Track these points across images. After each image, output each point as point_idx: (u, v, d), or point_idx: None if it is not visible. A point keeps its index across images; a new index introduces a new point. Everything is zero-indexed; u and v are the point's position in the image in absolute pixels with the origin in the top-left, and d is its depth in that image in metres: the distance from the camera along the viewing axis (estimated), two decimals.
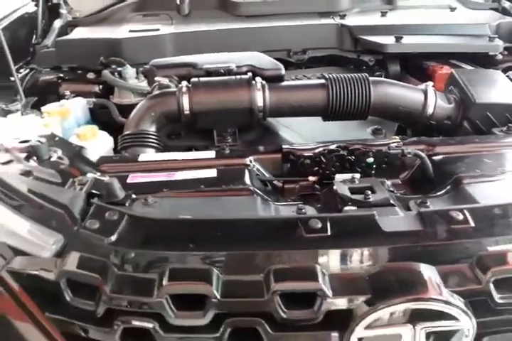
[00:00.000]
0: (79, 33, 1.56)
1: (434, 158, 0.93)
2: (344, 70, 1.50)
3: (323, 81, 1.11)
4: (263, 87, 1.08)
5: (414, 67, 1.50)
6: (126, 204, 0.77)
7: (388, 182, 0.92)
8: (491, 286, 0.63)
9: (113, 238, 0.67)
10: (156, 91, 1.11)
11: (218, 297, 0.61)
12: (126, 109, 1.29)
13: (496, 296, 0.63)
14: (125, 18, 1.65)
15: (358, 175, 0.87)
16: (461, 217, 0.68)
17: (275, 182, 0.94)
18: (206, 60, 1.18)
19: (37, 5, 1.64)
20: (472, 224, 0.67)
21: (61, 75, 1.40)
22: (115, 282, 0.63)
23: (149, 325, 0.62)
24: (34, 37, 1.58)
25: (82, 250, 0.66)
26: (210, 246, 0.67)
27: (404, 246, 0.65)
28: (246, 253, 0.65)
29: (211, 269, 0.63)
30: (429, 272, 0.62)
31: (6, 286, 0.69)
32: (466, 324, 0.61)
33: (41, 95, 1.32)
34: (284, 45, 1.52)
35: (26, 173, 0.83)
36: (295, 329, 0.62)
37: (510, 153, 0.94)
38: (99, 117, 1.29)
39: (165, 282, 0.61)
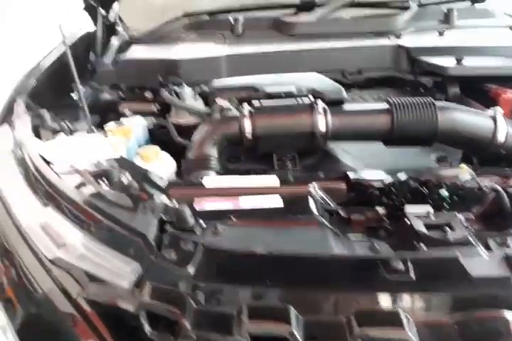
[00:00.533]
0: (136, 52, 1.60)
1: (510, 190, 0.89)
2: (401, 92, 1.47)
3: (387, 105, 1.08)
4: (325, 111, 1.07)
5: (475, 89, 1.45)
6: (197, 232, 0.77)
7: (461, 217, 0.88)
8: None
9: (190, 270, 0.66)
10: (218, 115, 1.11)
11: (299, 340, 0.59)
12: (183, 129, 1.31)
13: None
14: (180, 37, 1.67)
15: (430, 209, 0.85)
16: None
17: (340, 212, 0.92)
18: (266, 81, 1.18)
19: (95, 22, 1.70)
20: None
21: (121, 94, 1.43)
22: (193, 317, 0.63)
23: None
24: (93, 55, 1.63)
25: (160, 281, 0.67)
26: (286, 283, 0.66)
27: (494, 293, 0.62)
28: (326, 293, 0.64)
29: (290, 308, 0.61)
30: None
31: (82, 313, 0.70)
32: None
33: (102, 114, 1.36)
34: (339, 65, 1.50)
35: (99, 197, 0.85)
36: None
37: None
38: (157, 137, 1.31)
39: (245, 320, 0.61)
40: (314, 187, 0.91)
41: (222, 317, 0.62)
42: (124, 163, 0.95)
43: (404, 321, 0.59)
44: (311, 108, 1.07)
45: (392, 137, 1.08)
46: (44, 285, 0.76)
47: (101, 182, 0.89)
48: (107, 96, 1.42)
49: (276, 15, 1.74)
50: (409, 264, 0.65)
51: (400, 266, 0.65)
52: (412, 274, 0.64)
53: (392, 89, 1.49)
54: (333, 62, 1.51)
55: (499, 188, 0.87)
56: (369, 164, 1.15)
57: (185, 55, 1.50)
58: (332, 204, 0.92)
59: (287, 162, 1.10)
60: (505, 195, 0.86)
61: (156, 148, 1.11)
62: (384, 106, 1.09)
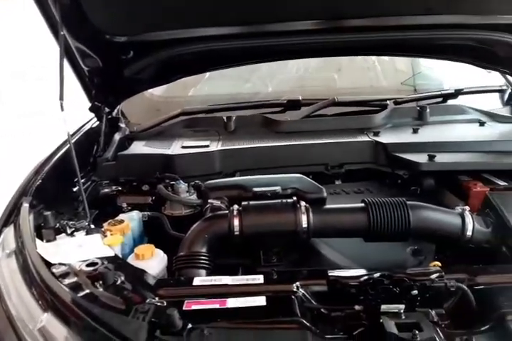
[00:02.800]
0: (136, 147, 1.75)
1: (476, 287, 0.96)
2: (379, 184, 1.59)
3: (363, 205, 1.19)
4: (307, 210, 1.17)
5: (449, 181, 1.57)
6: (184, 335, 0.82)
7: (433, 313, 0.94)
8: None
9: None
10: (209, 214, 1.21)
11: None
12: (176, 220, 1.40)
13: None
14: (178, 133, 1.84)
15: (402, 307, 0.91)
16: None
17: (322, 310, 0.97)
18: (254, 182, 1.30)
19: (100, 120, 1.86)
20: None
21: (119, 188, 1.54)
22: None
23: None
24: (95, 149, 1.76)
25: None
26: None
27: None
28: None
29: None
30: None
31: None
32: None
33: (101, 206, 1.45)
34: (322, 159, 1.64)
35: (94, 299, 0.91)
36: None
37: None
38: (152, 228, 1.39)
39: None
40: (297, 286, 0.98)
41: None
42: (119, 264, 1.02)
43: None
44: (294, 207, 1.17)
45: (369, 234, 1.17)
46: None
47: (97, 284, 0.96)
48: (106, 190, 1.53)
49: (266, 112, 1.94)
50: None
51: None
52: None
53: (371, 182, 1.62)
54: (317, 156, 1.65)
55: (465, 288, 0.94)
56: (350, 256, 1.22)
57: (181, 151, 1.65)
58: (313, 302, 0.98)
59: (273, 257, 1.17)
60: (470, 294, 0.93)
61: (152, 246, 1.18)
62: (360, 205, 1.20)
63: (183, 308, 0.91)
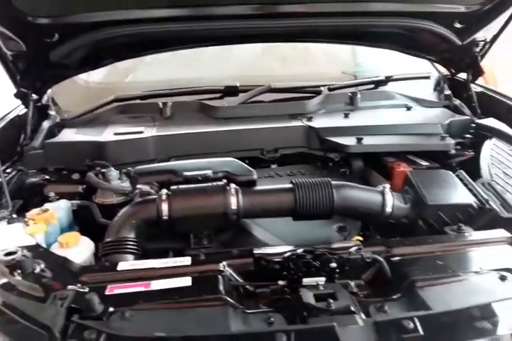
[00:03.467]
0: (66, 135, 1.69)
1: (392, 259, 1.02)
2: (313, 167, 1.64)
3: (290, 186, 1.22)
4: (237, 192, 1.19)
5: (376, 162, 1.64)
6: (104, 319, 0.82)
7: (352, 284, 0.99)
8: None
9: None
10: (137, 199, 1.20)
11: None
12: (107, 209, 1.37)
13: None
14: (111, 119, 1.79)
15: (323, 280, 0.96)
16: (411, 325, 0.76)
17: (248, 287, 1.00)
18: (185, 166, 1.30)
19: (27, 107, 1.77)
20: (421, 332, 0.74)
21: (47, 177, 1.48)
22: None
23: None
24: (22, 137, 1.68)
25: None
26: None
27: None
28: None
29: None
30: None
31: None
32: None
33: (27, 197, 1.39)
34: (258, 144, 1.66)
35: (10, 288, 0.88)
36: None
37: (460, 254, 1.04)
38: (82, 218, 1.36)
39: None
40: (224, 266, 1.00)
41: None
42: (40, 252, 0.99)
43: None
44: (223, 189, 1.19)
45: (296, 213, 1.20)
46: None
47: (15, 273, 0.92)
48: (32, 180, 1.47)
49: (203, 99, 1.93)
50: (293, 336, 0.73)
51: (283, 339, 0.73)
52: None
53: (304, 165, 1.66)
54: (252, 142, 1.68)
55: (380, 259, 1.00)
56: (280, 235, 1.26)
57: (114, 138, 1.61)
58: (240, 280, 1.00)
59: (203, 239, 1.18)
60: (385, 264, 0.99)
61: (77, 234, 1.16)
62: (288, 186, 1.23)
63: (106, 293, 0.90)
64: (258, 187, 1.25)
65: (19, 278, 0.91)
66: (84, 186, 1.47)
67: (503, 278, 0.93)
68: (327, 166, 1.65)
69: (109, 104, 1.86)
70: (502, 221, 1.18)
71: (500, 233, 1.10)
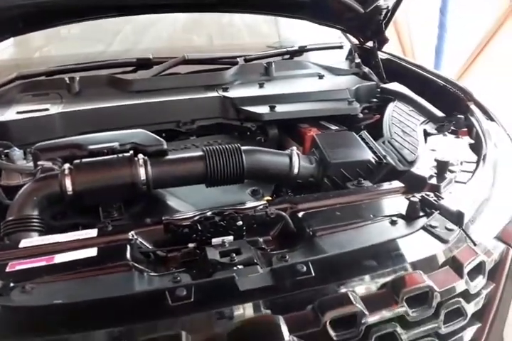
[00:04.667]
0: None
1: (296, 214, 1.08)
2: (230, 137, 1.67)
3: (201, 153, 1.24)
4: (145, 162, 1.18)
5: (291, 129, 1.70)
6: (4, 295, 0.80)
7: (261, 240, 1.04)
8: (329, 327, 0.75)
9: None
10: (39, 175, 1.16)
11: None
12: (13, 190, 1.31)
13: (333, 335, 0.75)
14: (14, 98, 1.69)
15: (230, 238, 0.99)
16: (304, 269, 0.82)
17: (159, 252, 1.02)
18: (90, 140, 1.26)
19: None
20: (313, 274, 0.80)
21: None
22: None
23: None
24: None
25: None
26: (84, 327, 0.72)
27: (256, 302, 0.76)
28: (114, 329, 0.71)
29: None
30: (273, 321, 0.73)
31: None
32: None
33: None
34: (174, 117, 1.65)
35: None
36: None
37: (357, 205, 1.12)
38: None
39: None
40: (132, 234, 1.00)
41: None
42: None
43: (184, 339, 0.70)
44: (130, 160, 1.17)
45: (208, 179, 1.22)
46: None
47: None
48: None
49: (115, 73, 1.86)
50: (193, 290, 0.77)
51: (184, 293, 0.76)
52: (193, 298, 0.75)
53: (222, 135, 1.68)
54: (168, 114, 1.66)
55: (283, 213, 1.05)
56: (195, 203, 1.28)
57: (17, 116, 1.52)
58: (150, 247, 1.01)
59: (113, 212, 1.17)
60: (288, 218, 1.05)
61: None
62: (198, 153, 1.24)
63: (6, 270, 0.88)
64: (168, 157, 1.25)
65: None
66: None
67: (393, 223, 1.02)
68: (245, 136, 1.68)
69: (11, 82, 1.74)
70: (398, 174, 1.28)
71: (395, 184, 1.20)
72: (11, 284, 0.82)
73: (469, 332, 0.91)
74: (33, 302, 0.78)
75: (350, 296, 0.78)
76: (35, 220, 1.07)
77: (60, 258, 0.92)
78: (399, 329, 0.80)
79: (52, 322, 0.74)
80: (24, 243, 0.97)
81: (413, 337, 0.82)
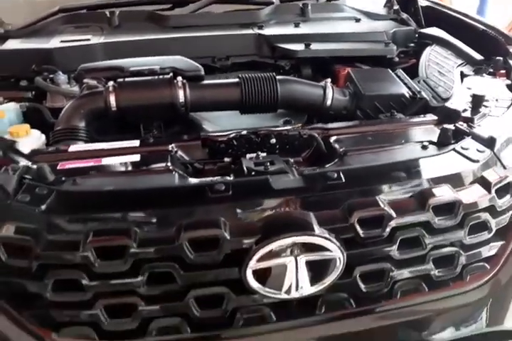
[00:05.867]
0: (11, 45, 1.64)
1: (329, 138, 1.11)
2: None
3: (237, 80, 1.27)
4: (184, 84, 1.22)
5: (326, 70, 1.70)
6: (56, 184, 0.87)
7: (291, 160, 1.08)
8: (356, 224, 0.80)
9: (43, 207, 0.77)
10: (85, 91, 1.22)
11: (135, 246, 0.73)
12: (57, 112, 1.38)
13: (360, 232, 0.80)
14: (57, 30, 1.74)
15: (263, 154, 1.04)
16: (335, 175, 0.86)
17: (196, 165, 1.08)
18: (132, 63, 1.31)
19: None
20: (343, 180, 0.85)
21: None
22: (45, 242, 0.74)
23: (78, 276, 0.73)
24: None
25: (16, 219, 0.76)
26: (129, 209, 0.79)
27: (287, 199, 0.81)
28: (160, 211, 0.78)
29: (130, 226, 0.75)
30: (304, 215, 0.78)
31: None
32: (336, 254, 0.77)
33: None
34: (209, 52, 1.67)
35: None
36: (202, 268, 0.76)
37: (390, 132, 1.14)
38: (32, 120, 1.36)
39: (90, 238, 0.73)
40: (172, 147, 1.06)
41: (71, 241, 0.74)
42: None
43: (222, 224, 0.76)
44: (170, 82, 1.22)
45: (243, 106, 1.26)
46: None
47: None
48: None
49: (153, 10, 1.88)
50: (230, 186, 0.82)
51: (222, 188, 0.81)
52: (230, 192, 0.81)
53: (255, 72, 1.70)
54: (204, 49, 1.68)
55: (315, 134, 1.09)
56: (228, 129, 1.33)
57: (61, 44, 1.58)
58: (188, 159, 1.07)
59: (153, 130, 1.23)
60: (320, 139, 1.08)
61: (26, 125, 1.17)
62: (235, 80, 1.28)
63: (57, 168, 0.95)
64: (205, 82, 1.29)
65: None
66: (33, 92, 1.46)
67: (424, 147, 1.04)
68: (278, 74, 1.69)
69: (54, 15, 1.79)
70: (432, 110, 1.28)
71: (428, 116, 1.21)
72: (63, 178, 0.90)
73: (493, 248, 0.95)
74: (82, 188, 0.85)
75: (379, 200, 0.83)
76: (81, 131, 1.14)
77: (106, 161, 0.99)
78: (423, 235, 0.84)
79: (98, 205, 0.81)
80: (73, 148, 1.05)
81: (437, 243, 0.86)
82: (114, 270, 0.74)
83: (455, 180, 0.90)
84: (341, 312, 0.83)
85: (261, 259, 0.76)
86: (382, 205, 0.82)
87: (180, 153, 1.07)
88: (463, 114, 1.16)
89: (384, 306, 0.86)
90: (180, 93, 1.21)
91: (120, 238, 0.74)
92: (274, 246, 0.75)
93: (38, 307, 0.75)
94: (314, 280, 0.79)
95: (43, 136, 1.19)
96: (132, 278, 0.74)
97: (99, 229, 0.74)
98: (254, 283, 0.76)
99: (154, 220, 0.77)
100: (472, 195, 0.89)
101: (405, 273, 0.86)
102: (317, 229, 0.77)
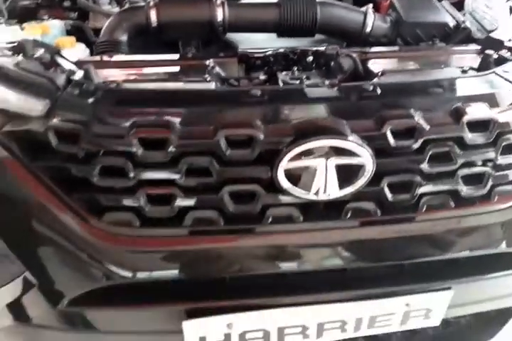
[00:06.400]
0: None
1: (366, 61, 1.11)
2: None
3: (276, 0, 1.25)
4: (222, 3, 1.22)
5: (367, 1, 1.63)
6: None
7: (327, 81, 1.09)
8: (388, 133, 0.81)
9: (90, 100, 0.82)
10: (127, 6, 1.24)
11: (176, 139, 0.78)
12: (99, 32, 1.41)
13: (392, 141, 0.82)
14: None
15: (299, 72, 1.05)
16: (371, 88, 0.86)
17: (232, 81, 1.09)
18: None
19: None
20: (378, 92, 0.85)
21: (39, 1, 1.49)
22: (93, 130, 0.79)
23: (123, 163, 0.79)
24: None
25: (66, 110, 0.82)
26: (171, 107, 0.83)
27: (322, 104, 0.83)
28: (199, 110, 0.82)
29: (171, 121, 0.79)
30: (337, 121, 0.80)
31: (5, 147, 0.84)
32: (366, 160, 0.80)
33: (20, 20, 1.42)
34: None
35: (14, 64, 0.97)
36: (237, 165, 0.80)
37: (430, 57, 1.13)
38: (76, 39, 1.40)
39: (134, 130, 0.78)
40: (210, 62, 1.08)
41: (118, 129, 0.79)
42: (38, 43, 1.06)
43: (256, 122, 0.79)
44: (209, 0, 1.22)
45: (281, 28, 1.25)
46: None
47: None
48: (25, 3, 1.48)
49: None
50: (266, 92, 0.84)
51: (258, 93, 0.84)
52: (266, 97, 0.83)
53: None
54: None
55: (353, 55, 1.08)
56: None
57: None
58: (224, 74, 1.10)
59: (192, 48, 1.25)
60: (357, 59, 1.08)
61: (72, 38, 1.22)
62: (274, 1, 1.26)
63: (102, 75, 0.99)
64: (244, 1, 1.28)
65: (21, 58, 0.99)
66: (76, 13, 1.49)
67: (464, 71, 1.02)
68: None
69: None
70: (474, 40, 1.24)
71: (471, 46, 1.17)
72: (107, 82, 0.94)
73: None
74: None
75: (412, 112, 0.83)
76: (123, 44, 1.17)
77: (147, 70, 1.03)
78: (455, 150, 0.86)
79: (146, 101, 0.84)
80: (116, 57, 1.08)
81: (469, 159, 0.88)
82: (155, 159, 0.79)
83: (493, 101, 0.89)
84: (365, 219, 0.87)
85: (292, 159, 0.79)
86: (415, 117, 0.83)
87: (217, 68, 1.09)
88: (506, 44, 1.12)
89: (408, 218, 0.89)
90: (219, 11, 1.21)
91: (162, 131, 0.78)
92: (306, 147, 0.78)
93: (85, 191, 0.82)
94: (342, 185, 0.82)
95: (88, 50, 1.23)
96: (172, 169, 0.79)
97: (143, 121, 0.79)
98: (284, 182, 0.80)
99: (194, 118, 0.81)
100: (509, 115, 0.89)
101: (433, 187, 0.88)
102: (349, 135, 0.79)
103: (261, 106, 0.83)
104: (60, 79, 0.87)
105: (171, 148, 0.78)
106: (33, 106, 0.83)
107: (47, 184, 0.83)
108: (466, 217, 0.91)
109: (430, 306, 0.95)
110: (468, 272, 0.96)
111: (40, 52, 1.02)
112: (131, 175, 0.80)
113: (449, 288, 0.93)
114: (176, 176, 0.80)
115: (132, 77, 0.99)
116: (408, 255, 0.91)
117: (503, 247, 0.96)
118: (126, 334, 0.94)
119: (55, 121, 0.80)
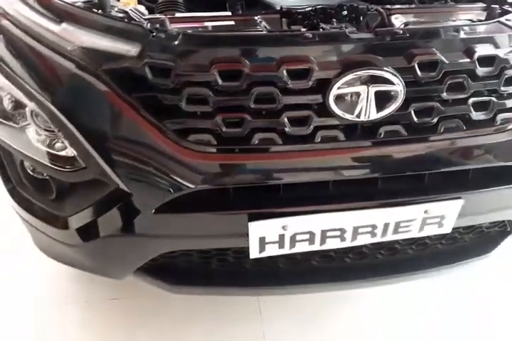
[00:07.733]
0: None
1: (390, 16, 1.30)
2: None
3: None
4: None
5: None
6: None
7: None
8: (416, 66, 1.02)
9: (176, 42, 1.01)
10: None
11: (248, 70, 0.98)
12: None
13: (419, 73, 1.03)
14: None
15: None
16: (401, 32, 1.06)
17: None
18: None
19: None
20: (407, 34, 1.05)
21: None
22: (182, 66, 0.99)
23: (205, 92, 1.00)
24: None
25: (156, 50, 1.02)
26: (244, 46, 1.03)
27: (362, 44, 1.03)
28: (264, 48, 1.02)
29: (243, 58, 1.00)
30: (375, 56, 1.01)
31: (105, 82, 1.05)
32: (399, 88, 1.01)
33: None
34: None
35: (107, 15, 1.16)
36: (296, 94, 1.01)
37: (444, 12, 1.32)
38: None
39: (215, 64, 0.98)
40: (258, 17, 1.27)
41: (200, 65, 0.99)
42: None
43: (311, 60, 1.00)
44: None
45: None
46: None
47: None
48: None
49: None
50: (317, 36, 1.04)
51: (310, 35, 1.04)
52: (317, 38, 1.03)
53: None
54: None
55: (381, 9, 1.27)
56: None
57: None
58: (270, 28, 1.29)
59: (238, 9, 1.44)
60: (385, 13, 1.27)
61: None
62: None
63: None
64: None
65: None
66: None
67: (474, 21, 1.22)
68: None
69: None
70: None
71: (478, 3, 1.37)
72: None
73: None
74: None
75: (435, 50, 1.04)
76: (181, 3, 1.36)
77: (208, 24, 1.22)
78: (467, 81, 1.06)
79: (221, 42, 1.03)
80: (179, 14, 1.27)
81: (478, 88, 1.09)
82: (231, 89, 1.00)
83: (497, 42, 1.10)
84: (396, 138, 1.09)
85: (340, 87, 1.00)
86: (437, 53, 1.03)
87: (264, 23, 1.28)
88: (510, 0, 1.31)
89: (429, 138, 1.11)
90: None
91: (236, 65, 0.99)
92: (352, 76, 0.99)
93: (174, 117, 1.03)
94: (379, 108, 1.03)
95: (147, 12, 1.41)
96: (244, 96, 1.00)
97: (222, 56, 0.99)
98: (334, 107, 1.02)
99: (261, 54, 1.01)
100: (510, 54, 1.09)
101: (449, 112, 1.10)
102: (385, 66, 1.00)
103: (314, 45, 1.02)
104: (147, 25, 1.07)
105: (245, 78, 0.99)
106: (129, 47, 1.03)
107: (141, 112, 1.04)
108: (474, 137, 1.13)
109: (444, 213, 1.17)
110: (475, 185, 1.18)
111: (115, 8, 1.22)
112: (211, 102, 1.00)
113: (459, 198, 1.16)
114: (246, 103, 1.01)
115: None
116: (428, 167, 1.13)
117: (501, 162, 1.18)
118: (202, 238, 1.16)
119: (149, 59, 1.00)
